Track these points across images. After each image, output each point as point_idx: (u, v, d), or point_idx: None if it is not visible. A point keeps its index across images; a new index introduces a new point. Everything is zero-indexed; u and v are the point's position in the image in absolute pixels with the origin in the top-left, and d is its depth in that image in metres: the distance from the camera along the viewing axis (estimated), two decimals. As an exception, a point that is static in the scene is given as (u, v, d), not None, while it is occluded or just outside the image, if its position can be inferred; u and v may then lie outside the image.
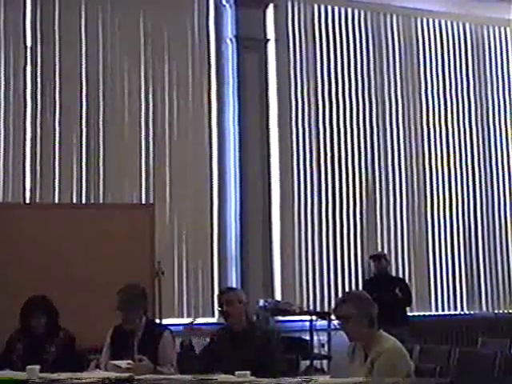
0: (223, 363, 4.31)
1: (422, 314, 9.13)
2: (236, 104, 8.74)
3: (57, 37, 8.19)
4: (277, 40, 9.07)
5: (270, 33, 9.04)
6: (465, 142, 9.85)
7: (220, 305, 4.62)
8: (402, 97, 9.62)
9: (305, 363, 7.16)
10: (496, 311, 9.66)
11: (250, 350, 4.37)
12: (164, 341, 4.63)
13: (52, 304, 5.00)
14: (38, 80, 8.11)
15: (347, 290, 8.91)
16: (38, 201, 7.90)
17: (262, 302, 8.03)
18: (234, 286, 8.04)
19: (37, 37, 8.14)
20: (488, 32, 10.16)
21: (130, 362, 4.35)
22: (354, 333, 3.93)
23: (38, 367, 4.12)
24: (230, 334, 4.55)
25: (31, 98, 8.07)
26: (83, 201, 8.07)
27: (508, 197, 9.96)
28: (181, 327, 4.69)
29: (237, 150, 8.68)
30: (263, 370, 4.07)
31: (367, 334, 3.91)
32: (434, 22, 9.88)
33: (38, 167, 8.01)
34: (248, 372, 3.99)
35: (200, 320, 8.16)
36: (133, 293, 4.72)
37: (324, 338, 7.81)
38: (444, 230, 9.60)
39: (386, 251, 9.04)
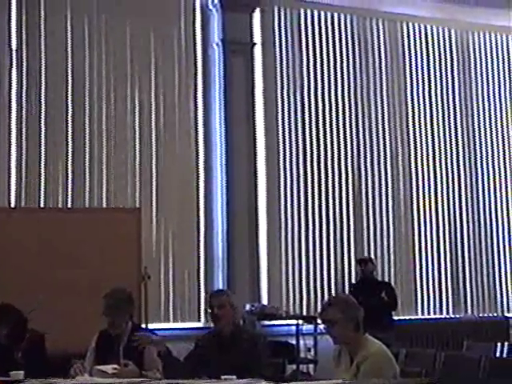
0: (210, 367, 4.30)
1: (407, 317, 9.16)
2: (222, 108, 8.74)
3: (42, 40, 8.17)
4: (263, 44, 9.09)
5: (257, 37, 9.05)
6: (450, 145, 9.89)
7: (211, 307, 4.58)
8: (388, 100, 9.66)
9: (291, 367, 7.15)
10: (481, 315, 9.70)
11: (237, 353, 4.36)
12: (150, 346, 4.60)
13: (17, 311, 4.89)
14: (24, 83, 8.08)
15: (333, 294, 8.92)
16: (23, 205, 7.87)
17: (248, 307, 8.03)
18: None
19: (22, 40, 8.11)
20: (473, 37, 10.21)
21: (115, 366, 4.33)
22: (339, 337, 3.94)
23: (21, 372, 4.12)
24: (217, 338, 4.54)
25: (16, 101, 8.04)
26: (69, 205, 8.03)
27: (493, 203, 10.02)
28: (167, 332, 4.67)
29: (223, 153, 8.67)
30: (249, 374, 4.07)
31: (353, 338, 3.91)
32: (419, 26, 9.93)
33: (24, 171, 7.98)
34: (234, 376, 3.99)
35: (186, 324, 8.23)
36: (119, 297, 4.70)
37: (310, 342, 7.82)
38: (430, 234, 9.63)
39: (372, 255, 9.06)
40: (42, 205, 7.94)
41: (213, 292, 5.05)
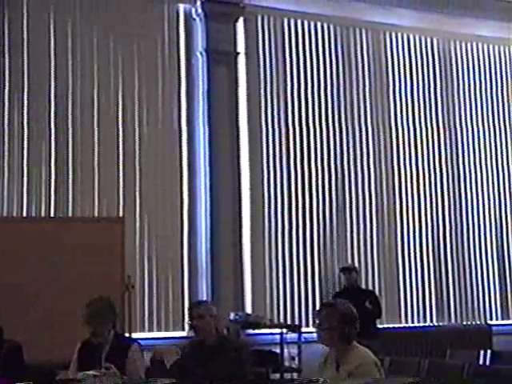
0: (194, 377, 4.29)
1: (391, 326, 9.17)
2: (206, 117, 8.74)
3: (25, 48, 8.13)
4: (247, 53, 9.10)
5: (240, 46, 9.07)
6: (433, 154, 9.93)
7: (191, 319, 4.60)
8: (371, 109, 9.70)
9: (275, 376, 7.14)
10: (464, 323, 9.74)
11: (221, 362, 4.36)
12: (132, 354, 4.59)
13: None
14: (6, 91, 8.04)
15: (318, 302, 8.93)
16: (4, 214, 7.81)
17: (232, 315, 8.01)
18: (205, 298, 8.02)
19: (4, 48, 8.08)
20: (455, 47, 10.29)
21: (97, 371, 4.30)
22: (326, 340, 4.00)
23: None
24: (201, 348, 4.53)
25: (-1, 107, 8.01)
26: (52, 214, 7.99)
27: (476, 212, 10.07)
28: (150, 341, 4.66)
29: (207, 163, 8.67)
30: (233, 383, 4.06)
31: (340, 346, 3.96)
32: (402, 36, 9.99)
33: (6, 180, 7.93)
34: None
35: (170, 334, 8.20)
36: (101, 306, 4.69)
37: (294, 350, 7.81)
38: (413, 242, 9.66)
39: (356, 264, 9.09)
40: (24, 214, 7.89)
41: (193, 303, 5.06)
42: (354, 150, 9.54)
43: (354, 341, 4.00)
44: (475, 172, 10.15)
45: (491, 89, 10.42)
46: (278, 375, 7.36)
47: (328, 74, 9.52)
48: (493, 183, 10.22)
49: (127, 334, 6.44)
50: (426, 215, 9.77)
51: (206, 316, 4.52)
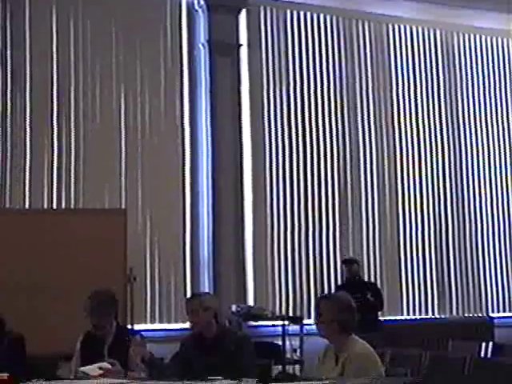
0: (194, 370, 4.30)
1: (393, 318, 9.19)
2: (208, 109, 8.74)
3: (27, 42, 8.13)
4: (249, 45, 9.09)
5: (243, 38, 9.06)
6: (436, 145, 9.94)
7: (186, 313, 4.61)
8: (374, 101, 9.69)
9: (277, 368, 7.14)
10: (466, 315, 9.75)
11: (222, 356, 4.36)
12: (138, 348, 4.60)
13: None
14: (9, 84, 8.04)
15: (319, 294, 8.94)
16: (7, 206, 7.82)
17: (234, 307, 8.02)
18: (207, 290, 8.03)
19: (7, 42, 8.07)
20: (458, 39, 10.27)
21: (100, 365, 4.31)
22: (324, 332, 4.02)
23: (5, 375, 4.09)
24: (201, 341, 4.54)
25: (1, 102, 7.99)
26: (54, 206, 8.00)
27: (478, 204, 10.06)
28: (152, 333, 4.66)
29: (209, 154, 8.67)
30: (234, 375, 4.07)
31: (337, 337, 3.96)
32: (405, 28, 9.97)
33: (8, 172, 7.94)
34: (220, 377, 3.98)
35: (172, 326, 8.21)
36: (103, 298, 4.69)
37: (296, 342, 7.82)
38: (415, 235, 9.67)
39: (357, 256, 9.09)
40: (26, 206, 7.90)
41: (187, 298, 5.05)
42: (357, 142, 9.54)
43: (353, 334, 4.00)
44: (478, 162, 10.14)
45: (494, 80, 10.41)
46: (279, 367, 7.36)
47: (330, 66, 9.50)
48: (495, 175, 10.22)
49: (129, 326, 6.43)
50: (428, 207, 9.78)
51: (200, 310, 4.51)
